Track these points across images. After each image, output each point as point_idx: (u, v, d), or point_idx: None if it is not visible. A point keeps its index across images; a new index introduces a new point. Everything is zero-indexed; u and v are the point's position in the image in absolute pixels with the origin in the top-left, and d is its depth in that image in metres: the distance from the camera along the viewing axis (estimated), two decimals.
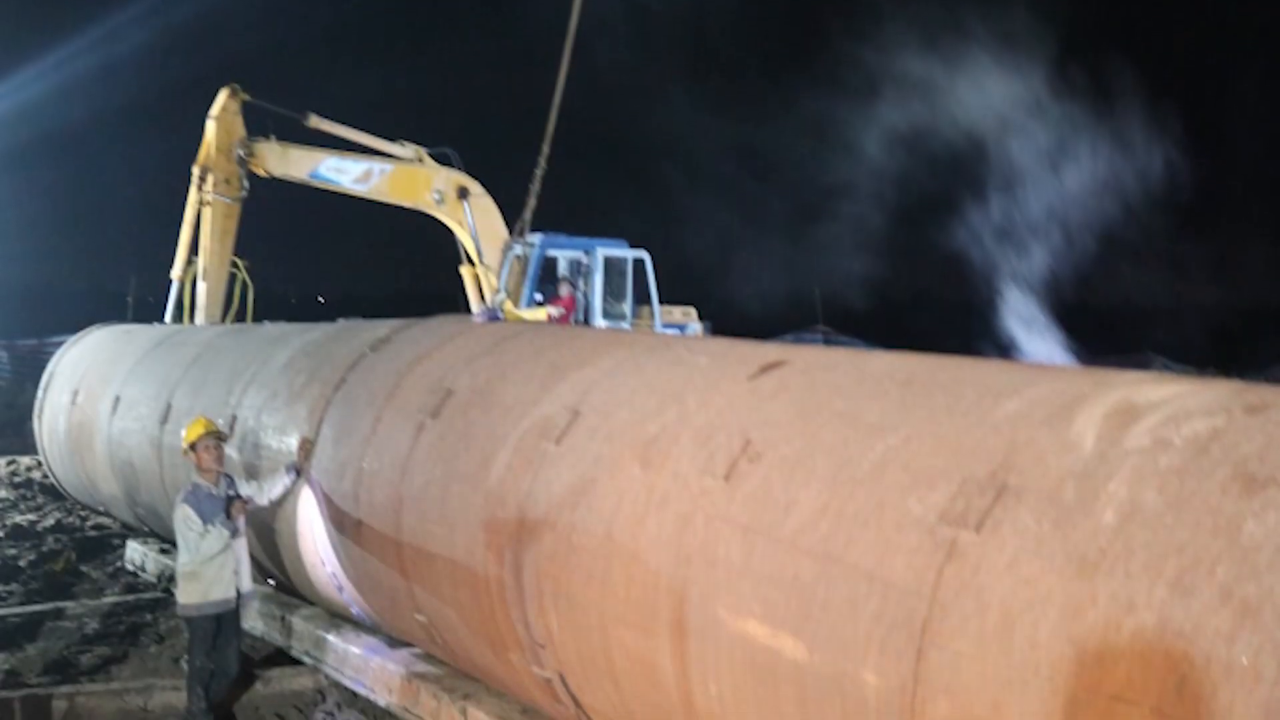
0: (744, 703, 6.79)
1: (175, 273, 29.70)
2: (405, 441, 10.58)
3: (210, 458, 11.41)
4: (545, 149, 29.61)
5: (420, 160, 30.81)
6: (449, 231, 31.20)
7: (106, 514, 21.35)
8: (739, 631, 6.76)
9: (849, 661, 6.03)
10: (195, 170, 29.42)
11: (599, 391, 8.95)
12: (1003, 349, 22.31)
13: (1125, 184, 22.78)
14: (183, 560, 11.28)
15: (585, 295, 29.88)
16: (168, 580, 15.68)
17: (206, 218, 29.38)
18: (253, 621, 13.46)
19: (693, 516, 7.27)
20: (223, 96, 29.53)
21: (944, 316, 46.57)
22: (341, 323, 15.65)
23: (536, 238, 30.19)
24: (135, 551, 18.03)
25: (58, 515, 22.80)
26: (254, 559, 12.26)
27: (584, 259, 30.22)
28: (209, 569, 11.14)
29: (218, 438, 11.56)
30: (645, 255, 30.53)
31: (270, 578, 13.96)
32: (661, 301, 30.63)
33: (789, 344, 9.91)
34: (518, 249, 30.06)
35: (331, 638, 12.26)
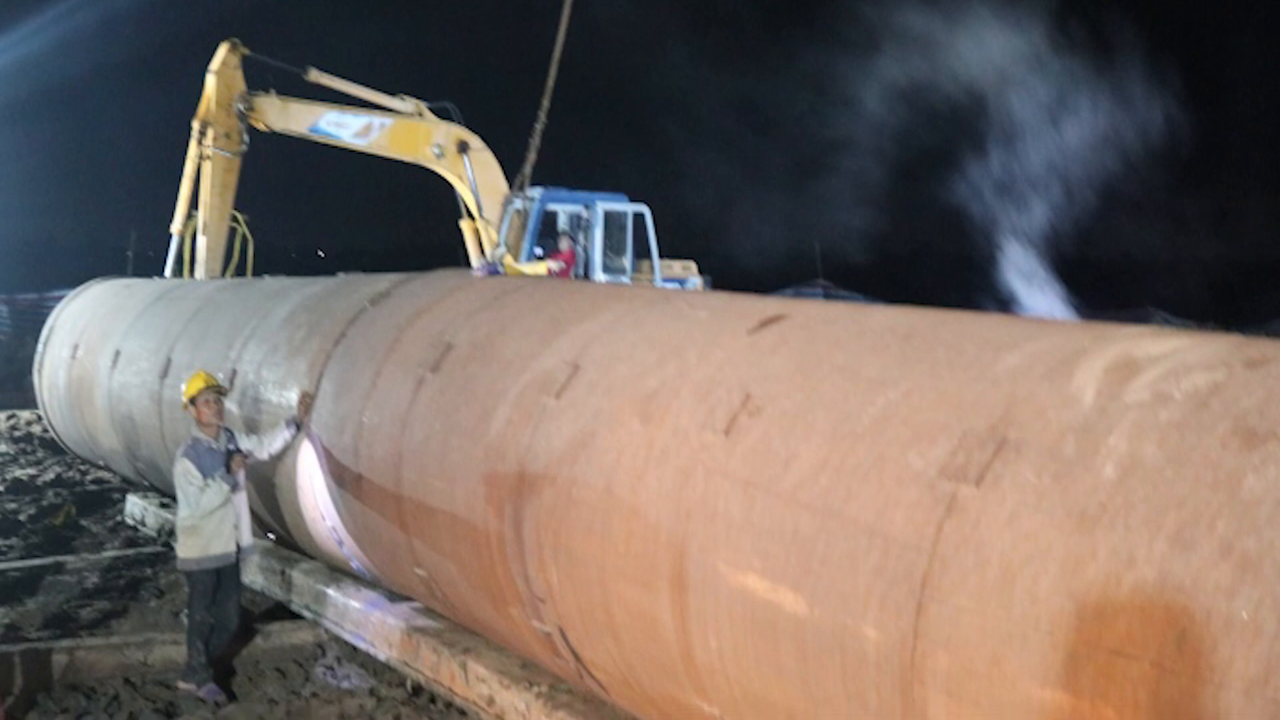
0: (744, 657, 6.80)
1: (175, 227, 29.76)
2: (405, 396, 10.58)
3: (210, 412, 11.40)
4: (545, 103, 29.60)
5: (420, 115, 30.82)
6: (449, 186, 31.23)
7: (106, 468, 21.38)
8: (739, 586, 6.76)
9: (849, 616, 6.03)
10: (195, 125, 29.46)
11: (599, 346, 8.94)
12: (1003, 303, 22.33)
13: (1125, 138, 22.77)
14: (183, 515, 11.29)
15: (585, 250, 29.91)
16: (168, 534, 15.69)
17: (206, 172, 29.43)
18: (253, 576, 13.48)
19: (692, 471, 7.27)
20: (222, 51, 29.52)
21: (944, 271, 46.63)
22: (341, 277, 15.63)
23: (536, 192, 30.21)
24: (135, 506, 18.04)
25: (58, 469, 22.81)
26: (254, 513, 12.28)
27: (584, 213, 30.23)
28: (209, 523, 11.15)
29: (218, 392, 11.55)
30: (645, 209, 30.58)
31: (270, 532, 13.98)
32: (661, 256, 30.69)
33: (789, 298, 9.88)
34: (518, 203, 30.08)
35: (331, 592, 12.29)
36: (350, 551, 12.07)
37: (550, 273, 27.44)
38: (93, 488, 21.21)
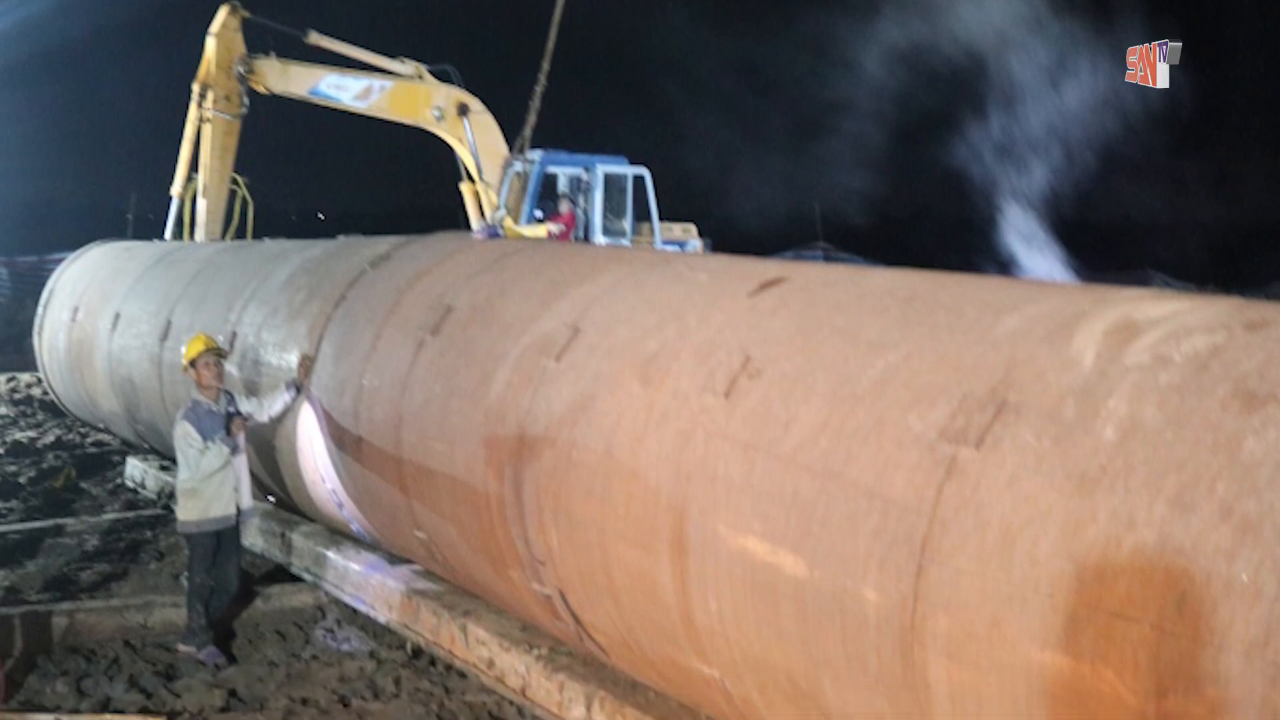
0: (744, 619, 6.81)
1: (175, 189, 29.72)
2: (405, 358, 10.57)
3: (210, 374, 11.39)
4: (545, 65, 29.59)
5: (420, 77, 30.74)
6: (449, 148, 31.16)
7: (106, 431, 21.38)
8: (739, 548, 6.76)
9: (849, 578, 6.03)
10: (195, 87, 29.40)
11: (599, 308, 8.93)
12: (1003, 266, 22.34)
13: (1125, 100, 22.71)
14: (183, 477, 11.29)
15: (585, 212, 29.88)
16: (168, 497, 15.69)
17: (206, 135, 29.38)
18: (253, 538, 13.48)
19: (692, 433, 7.26)
20: (223, 13, 29.45)
21: (944, 233, 46.54)
22: (342, 239, 15.61)
23: (536, 154, 30.17)
24: (135, 468, 18.06)
25: (58, 432, 22.82)
26: (254, 476, 12.28)
27: (584, 176, 30.20)
28: (209, 486, 11.15)
29: (218, 354, 11.53)
30: (645, 172, 30.52)
31: (270, 494, 13.98)
32: (661, 218, 30.64)
33: (789, 261, 9.87)
34: (518, 166, 30.03)
35: (331, 554, 12.30)
36: (350, 514, 12.08)
37: (550, 235, 27.41)
38: (93, 450, 21.22)
